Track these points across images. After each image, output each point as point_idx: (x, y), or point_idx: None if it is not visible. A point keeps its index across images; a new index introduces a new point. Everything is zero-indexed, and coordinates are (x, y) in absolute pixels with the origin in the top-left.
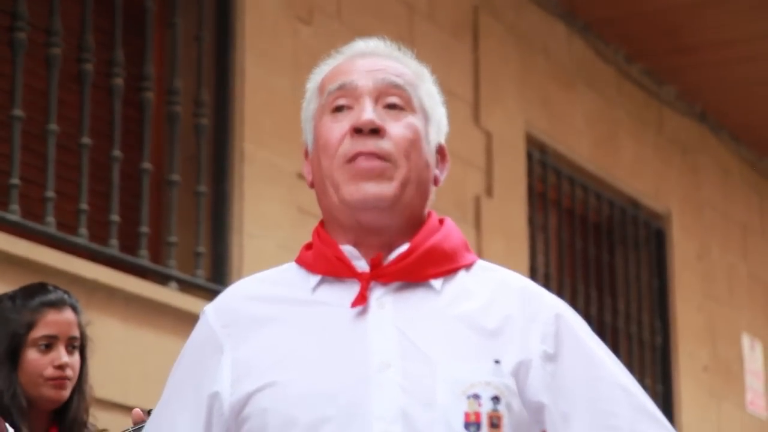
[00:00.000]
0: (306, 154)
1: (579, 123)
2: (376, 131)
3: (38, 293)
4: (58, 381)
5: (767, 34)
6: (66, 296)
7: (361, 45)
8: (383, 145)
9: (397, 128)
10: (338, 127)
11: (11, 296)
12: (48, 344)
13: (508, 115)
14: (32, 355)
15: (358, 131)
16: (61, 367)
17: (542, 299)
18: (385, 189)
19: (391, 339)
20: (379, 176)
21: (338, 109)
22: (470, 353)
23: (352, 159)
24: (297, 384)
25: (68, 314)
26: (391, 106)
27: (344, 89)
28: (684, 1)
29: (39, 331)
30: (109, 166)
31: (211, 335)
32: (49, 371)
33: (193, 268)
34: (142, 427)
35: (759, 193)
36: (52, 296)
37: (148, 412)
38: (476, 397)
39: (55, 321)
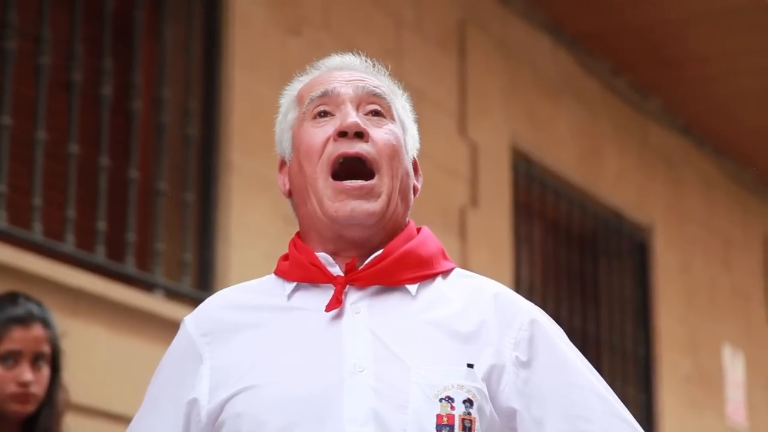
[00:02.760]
0: (281, 165)
1: (564, 135)
2: (360, 135)
3: (7, 307)
4: (21, 397)
5: (750, 50)
6: (36, 310)
7: (337, 59)
8: (367, 148)
9: (379, 133)
10: (321, 132)
11: None
12: (12, 360)
13: (494, 126)
14: None
15: (342, 134)
16: (23, 384)
17: (517, 305)
18: (374, 206)
19: (365, 342)
20: (368, 194)
21: (320, 114)
22: (444, 357)
23: (335, 161)
24: (270, 388)
25: (36, 330)
26: (373, 113)
27: (327, 96)
28: (669, 16)
29: (3, 347)
30: (97, 175)
31: (191, 345)
32: (12, 387)
33: (179, 277)
34: None
35: (741, 206)
36: (20, 311)
37: None
38: (449, 399)
39: (20, 337)
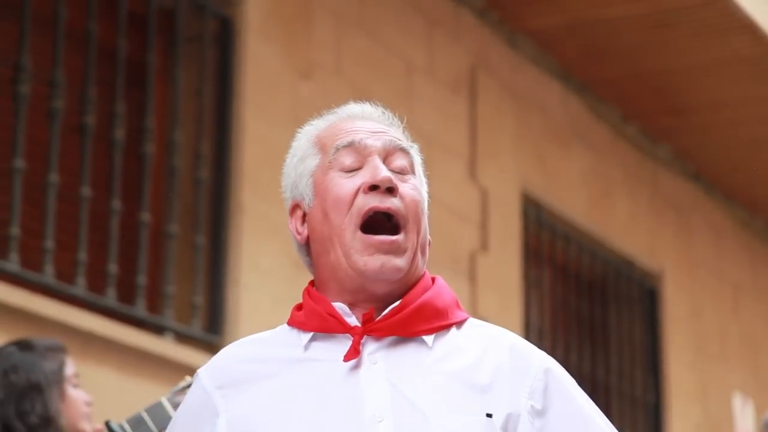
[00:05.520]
0: (292, 210)
1: (574, 181)
2: (390, 190)
3: (42, 342)
4: (89, 417)
5: (760, 98)
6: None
7: (355, 108)
8: (398, 203)
9: (406, 188)
10: (349, 183)
11: (25, 345)
12: (76, 384)
13: (504, 171)
14: (71, 392)
15: (373, 188)
16: (89, 404)
17: (532, 354)
18: (401, 262)
19: (384, 393)
20: (396, 249)
21: (348, 165)
22: (462, 407)
23: (366, 214)
24: None
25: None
26: (399, 170)
27: (354, 146)
28: (679, 63)
29: (69, 369)
30: (109, 218)
31: (207, 398)
32: (85, 408)
33: (189, 320)
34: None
35: (751, 253)
36: (57, 342)
37: (106, 423)
38: None
39: (72, 363)
